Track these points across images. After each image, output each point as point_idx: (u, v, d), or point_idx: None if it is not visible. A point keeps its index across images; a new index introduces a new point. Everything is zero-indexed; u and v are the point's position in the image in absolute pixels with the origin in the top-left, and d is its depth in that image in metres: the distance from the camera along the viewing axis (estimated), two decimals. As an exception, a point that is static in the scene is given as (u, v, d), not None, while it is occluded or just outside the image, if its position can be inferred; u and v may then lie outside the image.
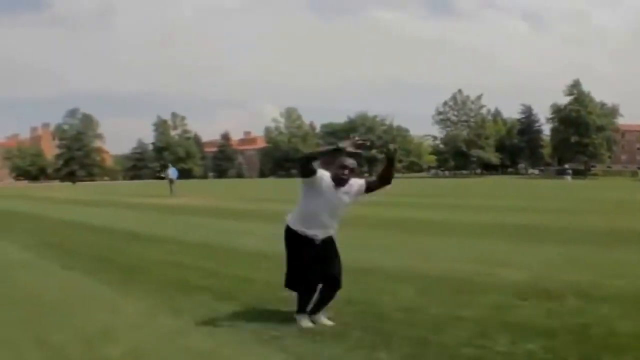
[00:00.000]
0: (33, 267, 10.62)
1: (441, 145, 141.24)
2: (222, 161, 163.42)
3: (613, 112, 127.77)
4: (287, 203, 11.21)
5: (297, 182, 6.53)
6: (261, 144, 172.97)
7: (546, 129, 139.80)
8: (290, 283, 6.41)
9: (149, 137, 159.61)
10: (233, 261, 10.88)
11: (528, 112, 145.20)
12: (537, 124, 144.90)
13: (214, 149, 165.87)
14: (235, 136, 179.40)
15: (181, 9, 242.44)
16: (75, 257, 11.83)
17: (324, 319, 6.43)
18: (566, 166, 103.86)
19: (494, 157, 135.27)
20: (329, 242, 6.38)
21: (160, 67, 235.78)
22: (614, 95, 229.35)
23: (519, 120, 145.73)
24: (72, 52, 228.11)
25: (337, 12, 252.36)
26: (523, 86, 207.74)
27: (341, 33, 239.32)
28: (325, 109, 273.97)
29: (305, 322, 6.32)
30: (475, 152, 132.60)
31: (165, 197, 39.58)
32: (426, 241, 13.72)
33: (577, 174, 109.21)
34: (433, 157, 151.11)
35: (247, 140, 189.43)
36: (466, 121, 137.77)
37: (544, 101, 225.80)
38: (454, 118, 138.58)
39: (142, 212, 26.39)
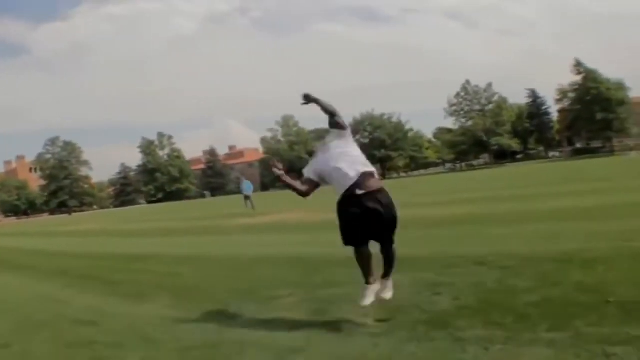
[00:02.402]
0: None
1: (457, 138, 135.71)
2: (213, 178, 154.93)
3: (620, 85, 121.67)
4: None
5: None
6: (250, 157, 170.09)
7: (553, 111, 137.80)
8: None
9: (133, 162, 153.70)
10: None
11: (534, 96, 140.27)
12: (544, 107, 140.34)
13: (200, 167, 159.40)
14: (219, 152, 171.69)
15: (145, 42, 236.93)
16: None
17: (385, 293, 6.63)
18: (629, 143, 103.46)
19: (514, 144, 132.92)
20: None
21: (130, 97, 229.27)
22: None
23: (527, 104, 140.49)
24: (46, 91, 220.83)
25: (286, 29, 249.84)
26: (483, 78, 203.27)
27: (294, 47, 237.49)
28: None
29: (365, 299, 6.46)
30: (495, 140, 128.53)
31: (246, 215, 31.68)
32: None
33: (589, 152, 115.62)
34: (432, 153, 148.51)
35: (234, 154, 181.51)
36: (481, 110, 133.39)
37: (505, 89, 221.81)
38: (467, 108, 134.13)
39: (227, 235, 21.36)
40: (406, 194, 34.27)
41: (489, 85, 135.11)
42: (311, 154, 7.62)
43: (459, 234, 13.11)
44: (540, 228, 12.42)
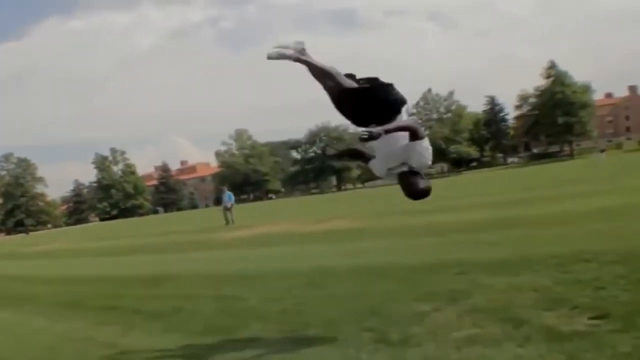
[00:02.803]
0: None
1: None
2: (166, 194, 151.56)
3: (586, 88, 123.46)
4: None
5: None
6: (202, 172, 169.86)
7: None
8: None
9: (86, 178, 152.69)
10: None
11: (492, 103, 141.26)
12: (502, 114, 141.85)
13: (152, 183, 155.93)
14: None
15: (98, 60, 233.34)
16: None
17: None
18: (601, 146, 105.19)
19: (472, 151, 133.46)
20: None
21: (81, 113, 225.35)
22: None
23: (484, 112, 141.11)
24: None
25: (245, 43, 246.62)
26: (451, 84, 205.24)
27: (251, 62, 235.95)
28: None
29: None
30: (454, 148, 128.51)
31: (221, 229, 29.41)
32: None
33: (548, 156, 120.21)
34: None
35: (186, 169, 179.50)
36: (439, 119, 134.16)
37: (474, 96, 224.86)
38: (425, 117, 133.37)
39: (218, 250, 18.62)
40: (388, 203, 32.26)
41: (450, 93, 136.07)
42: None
43: (511, 236, 12.30)
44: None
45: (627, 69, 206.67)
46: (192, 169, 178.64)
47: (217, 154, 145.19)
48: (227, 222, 33.47)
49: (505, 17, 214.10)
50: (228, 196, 35.93)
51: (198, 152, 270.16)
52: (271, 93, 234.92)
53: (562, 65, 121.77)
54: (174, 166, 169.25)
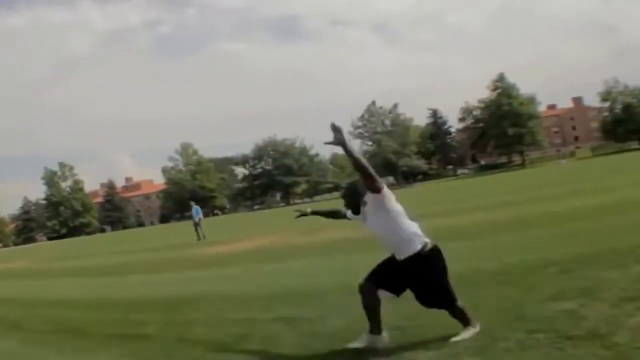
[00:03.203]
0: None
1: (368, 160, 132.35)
2: (111, 212, 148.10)
3: (532, 100, 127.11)
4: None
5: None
6: (147, 189, 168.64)
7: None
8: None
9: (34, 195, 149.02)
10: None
11: (435, 116, 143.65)
12: (445, 127, 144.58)
13: (98, 200, 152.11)
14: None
15: (37, 63, 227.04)
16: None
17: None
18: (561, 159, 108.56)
19: (422, 164, 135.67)
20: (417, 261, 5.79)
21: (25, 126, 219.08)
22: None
23: (429, 124, 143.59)
24: None
25: (183, 51, 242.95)
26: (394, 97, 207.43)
27: (189, 71, 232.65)
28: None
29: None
30: (403, 162, 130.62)
31: (194, 245, 28.06)
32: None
33: (495, 167, 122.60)
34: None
35: (131, 186, 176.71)
36: (386, 132, 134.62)
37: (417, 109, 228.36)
38: (371, 130, 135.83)
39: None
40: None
41: (395, 106, 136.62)
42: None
43: (523, 239, 12.36)
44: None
45: (570, 82, 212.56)
46: (137, 186, 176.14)
47: (164, 170, 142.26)
48: (199, 238, 31.62)
49: (451, 31, 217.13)
50: (196, 210, 34.15)
51: (136, 169, 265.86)
52: (212, 105, 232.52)
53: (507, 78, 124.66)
54: (119, 183, 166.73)
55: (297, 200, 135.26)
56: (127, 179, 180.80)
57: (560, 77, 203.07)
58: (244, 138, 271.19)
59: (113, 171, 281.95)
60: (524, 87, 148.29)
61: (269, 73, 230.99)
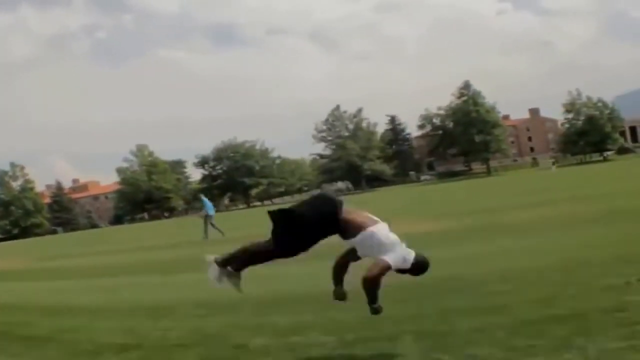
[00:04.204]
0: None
1: (332, 163, 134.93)
2: (60, 213, 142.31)
3: (492, 109, 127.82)
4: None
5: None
6: (94, 190, 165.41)
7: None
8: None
9: None
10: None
11: (393, 123, 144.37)
12: (404, 133, 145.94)
13: (46, 201, 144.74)
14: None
15: None
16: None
17: None
18: (551, 160, 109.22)
19: (386, 169, 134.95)
20: None
21: None
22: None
23: (387, 130, 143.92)
24: None
25: (121, 56, 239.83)
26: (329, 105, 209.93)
27: (128, 77, 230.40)
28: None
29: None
30: (368, 165, 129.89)
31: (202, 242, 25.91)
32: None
33: (455, 175, 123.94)
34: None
35: (78, 187, 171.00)
36: (350, 136, 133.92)
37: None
38: (335, 134, 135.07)
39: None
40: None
41: (359, 110, 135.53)
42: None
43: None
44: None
45: (506, 95, 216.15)
46: (84, 187, 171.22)
47: (119, 171, 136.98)
48: (206, 236, 28.20)
49: (388, 42, 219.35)
50: (209, 204, 30.08)
51: (74, 172, 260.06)
52: (150, 110, 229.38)
53: (449, 89, 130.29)
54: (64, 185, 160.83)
55: (256, 203, 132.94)
56: (74, 180, 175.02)
57: (496, 91, 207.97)
58: (183, 143, 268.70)
59: (51, 175, 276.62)
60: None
61: (206, 79, 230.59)
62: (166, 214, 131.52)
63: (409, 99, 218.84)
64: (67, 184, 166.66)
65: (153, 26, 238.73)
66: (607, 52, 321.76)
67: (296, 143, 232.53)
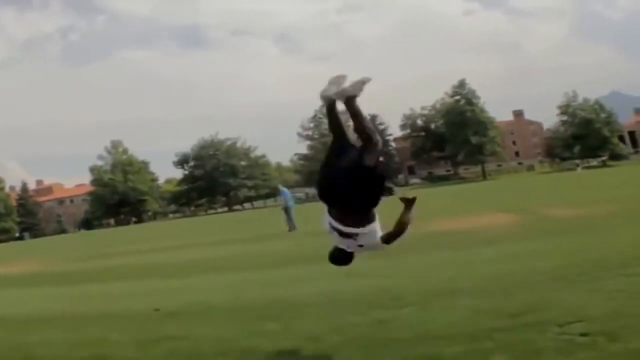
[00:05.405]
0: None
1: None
2: (25, 217, 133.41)
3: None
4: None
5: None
6: (59, 193, 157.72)
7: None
8: None
9: None
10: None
11: (374, 122, 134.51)
12: (386, 134, 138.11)
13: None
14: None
15: None
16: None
17: None
18: (576, 161, 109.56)
19: None
20: None
21: None
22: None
23: None
24: None
25: (87, 59, 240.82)
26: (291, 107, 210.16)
27: (92, 78, 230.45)
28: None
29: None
30: None
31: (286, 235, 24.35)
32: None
33: (444, 179, 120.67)
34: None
35: (42, 190, 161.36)
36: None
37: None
38: (320, 132, 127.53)
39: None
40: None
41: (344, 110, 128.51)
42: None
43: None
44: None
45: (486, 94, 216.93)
46: (49, 190, 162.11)
47: (92, 170, 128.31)
48: (291, 228, 26.22)
49: (351, 43, 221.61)
50: (285, 193, 28.47)
51: (30, 175, 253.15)
52: (116, 111, 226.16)
53: (410, 90, 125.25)
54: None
55: (237, 206, 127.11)
56: (38, 182, 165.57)
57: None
58: (149, 144, 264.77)
59: (8, 178, 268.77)
60: (423, 101, 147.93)
61: (172, 81, 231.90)
62: (134, 219, 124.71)
63: (369, 100, 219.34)
64: (40, 180, 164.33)
65: (123, 28, 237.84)
66: (579, 53, 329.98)
67: (261, 144, 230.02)
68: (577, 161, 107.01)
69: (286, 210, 27.17)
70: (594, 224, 15.26)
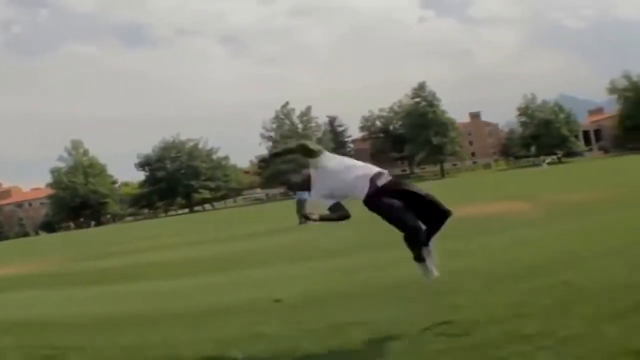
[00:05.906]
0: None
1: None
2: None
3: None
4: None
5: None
6: (18, 197, 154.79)
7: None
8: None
9: None
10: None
11: (333, 124, 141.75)
12: (348, 137, 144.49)
13: None
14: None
15: None
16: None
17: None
18: (542, 157, 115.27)
19: None
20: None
21: None
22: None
23: (328, 132, 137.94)
24: None
25: (35, 51, 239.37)
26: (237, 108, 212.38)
27: (39, 70, 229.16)
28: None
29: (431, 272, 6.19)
30: None
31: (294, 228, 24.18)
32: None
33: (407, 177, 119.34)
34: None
35: (1, 193, 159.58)
36: (304, 135, 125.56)
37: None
38: (282, 133, 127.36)
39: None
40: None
41: (308, 108, 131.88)
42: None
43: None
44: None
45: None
46: (7, 193, 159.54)
47: (52, 171, 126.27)
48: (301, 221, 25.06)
49: (300, 47, 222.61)
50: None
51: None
52: (62, 106, 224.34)
53: (363, 95, 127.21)
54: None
55: (198, 207, 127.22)
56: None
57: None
58: (100, 143, 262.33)
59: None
60: (372, 105, 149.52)
61: (117, 77, 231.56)
62: (94, 223, 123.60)
63: (316, 103, 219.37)
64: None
65: (68, 22, 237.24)
66: (532, 59, 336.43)
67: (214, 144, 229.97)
68: (542, 157, 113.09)
69: (299, 202, 26.90)
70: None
